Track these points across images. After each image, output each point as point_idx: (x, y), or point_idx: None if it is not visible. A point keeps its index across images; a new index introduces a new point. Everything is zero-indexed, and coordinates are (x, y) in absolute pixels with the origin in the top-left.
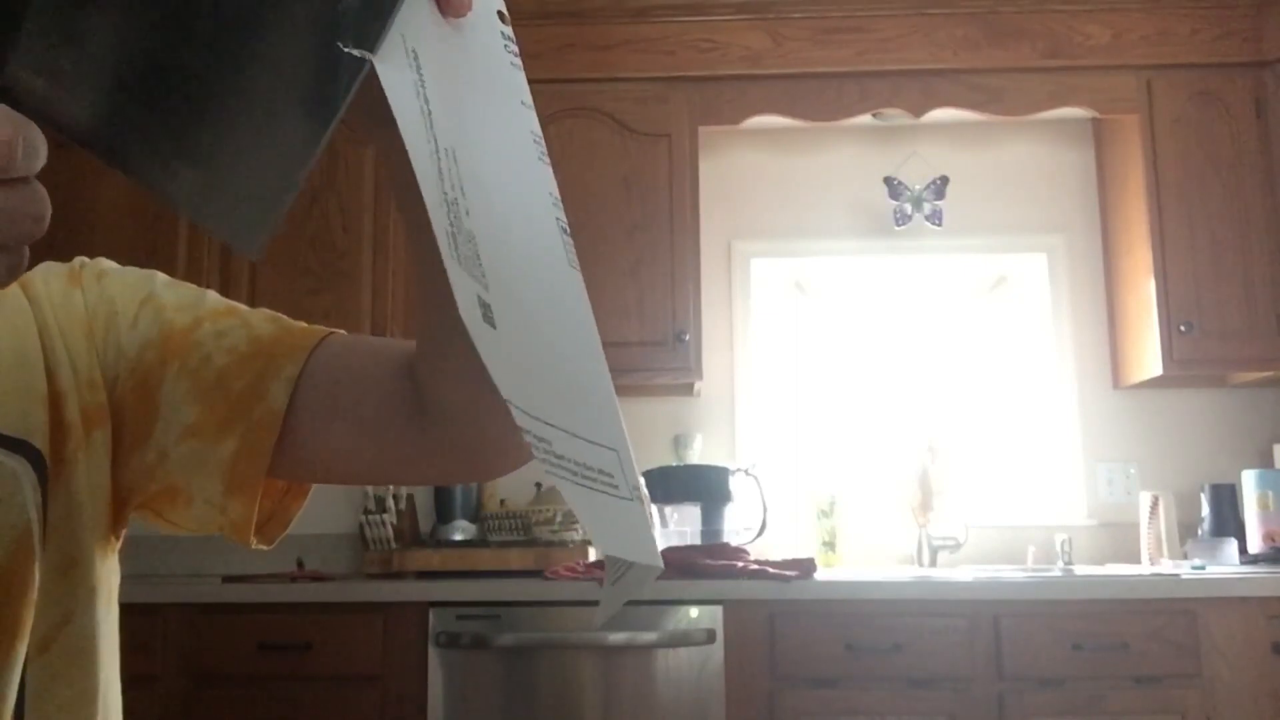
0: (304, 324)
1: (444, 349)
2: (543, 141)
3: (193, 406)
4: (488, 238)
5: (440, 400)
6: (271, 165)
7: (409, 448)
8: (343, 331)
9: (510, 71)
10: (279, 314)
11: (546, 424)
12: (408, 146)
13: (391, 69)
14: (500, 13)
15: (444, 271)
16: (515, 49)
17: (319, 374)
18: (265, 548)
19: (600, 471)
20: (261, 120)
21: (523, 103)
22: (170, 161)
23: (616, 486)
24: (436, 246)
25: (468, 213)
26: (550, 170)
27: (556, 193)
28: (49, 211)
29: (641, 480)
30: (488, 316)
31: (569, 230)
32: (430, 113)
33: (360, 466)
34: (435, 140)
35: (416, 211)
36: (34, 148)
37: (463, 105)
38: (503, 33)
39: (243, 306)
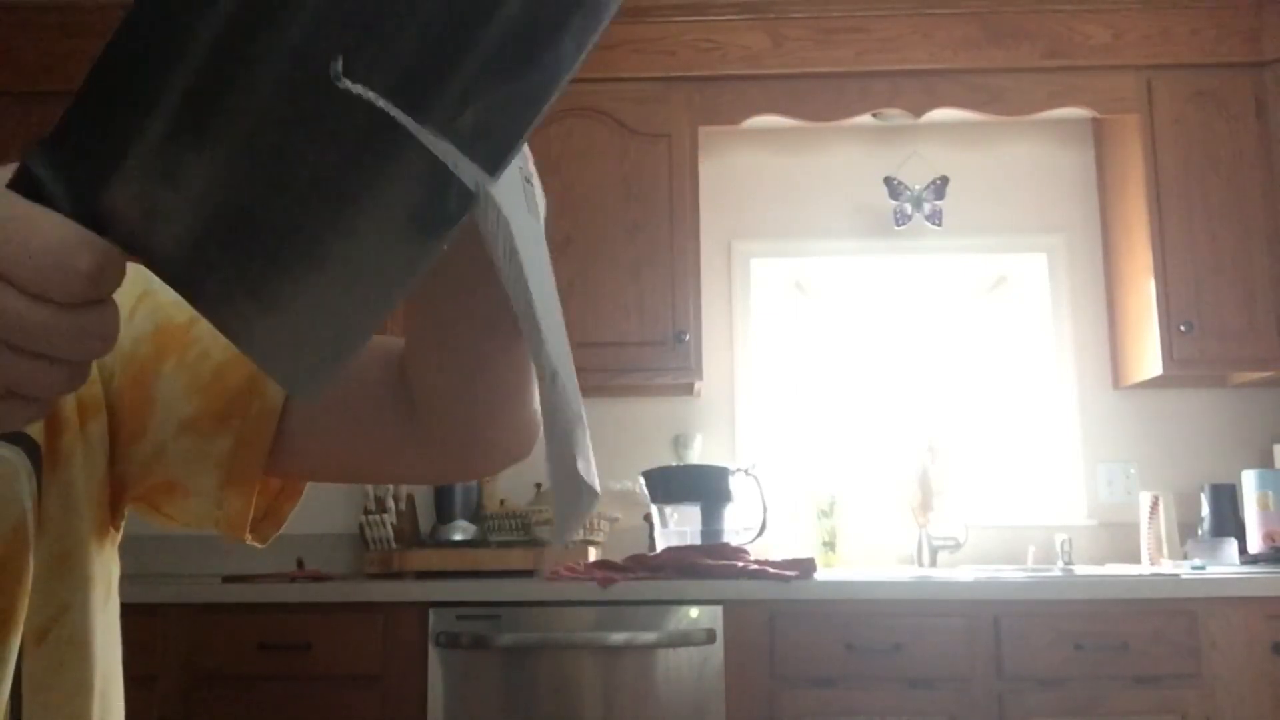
0: None
1: (433, 345)
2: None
3: (190, 401)
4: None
5: (429, 396)
6: (338, 323)
7: (399, 443)
8: None
9: None
10: None
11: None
12: None
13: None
14: None
15: (439, 265)
16: None
17: None
18: (259, 545)
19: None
20: (336, 282)
21: None
22: (242, 303)
23: (580, 416)
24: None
25: None
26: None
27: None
28: (118, 331)
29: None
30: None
31: (532, 181)
32: None
33: (353, 462)
34: None
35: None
36: (116, 275)
37: None
38: None
39: None
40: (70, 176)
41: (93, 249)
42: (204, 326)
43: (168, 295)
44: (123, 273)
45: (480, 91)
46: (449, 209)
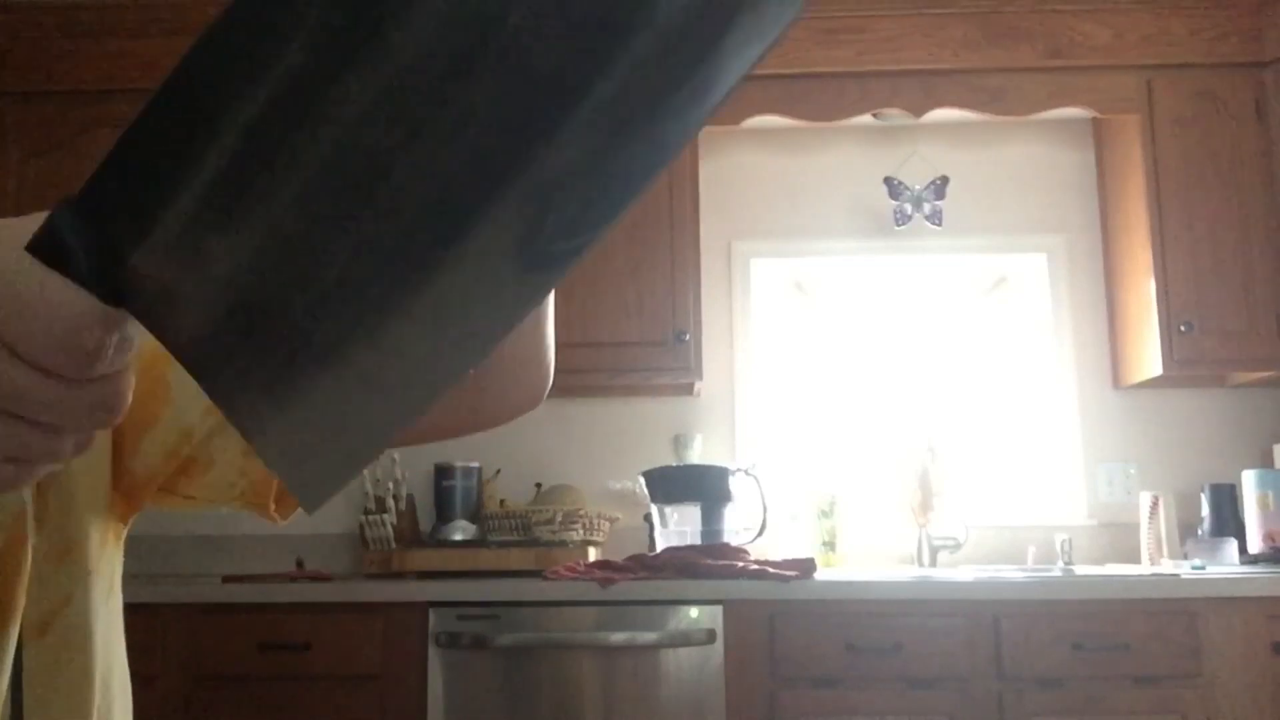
0: None
1: None
2: None
3: None
4: None
5: None
6: (354, 433)
7: None
8: None
9: None
10: None
11: None
12: None
13: None
14: None
15: None
16: None
17: None
18: (280, 521)
19: None
20: (356, 391)
21: None
22: (256, 398)
23: None
24: None
25: None
26: None
27: None
28: (126, 402)
29: None
30: None
31: None
32: None
33: None
34: None
35: None
36: (127, 349)
37: None
38: None
39: None
40: (94, 244)
41: (105, 325)
42: None
43: None
44: (135, 347)
45: (561, 181)
46: (497, 328)
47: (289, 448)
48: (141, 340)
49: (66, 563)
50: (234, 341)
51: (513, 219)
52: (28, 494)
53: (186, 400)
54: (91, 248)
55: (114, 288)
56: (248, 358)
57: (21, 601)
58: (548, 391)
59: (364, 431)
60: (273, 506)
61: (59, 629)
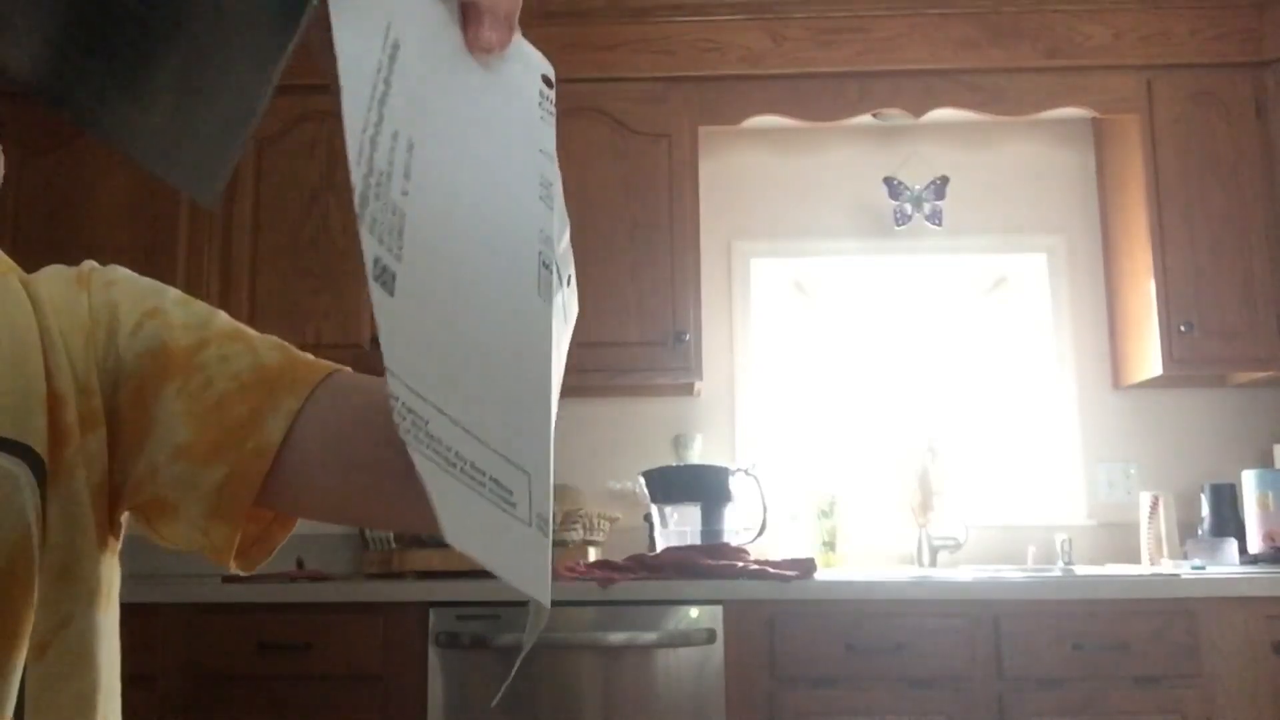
0: (310, 356)
1: None
2: (552, 188)
3: (187, 427)
4: (422, 226)
5: None
6: (221, 109)
7: (398, 493)
8: (348, 369)
9: (536, 122)
10: (286, 343)
11: (430, 404)
12: (343, 95)
13: (351, 23)
14: (545, 76)
15: None
16: (552, 108)
17: (319, 411)
18: (244, 572)
19: (494, 481)
20: (208, 63)
21: (541, 150)
22: (120, 107)
23: (513, 505)
24: None
25: (404, 193)
26: (551, 214)
27: (551, 234)
28: None
29: (552, 520)
30: (385, 282)
31: (552, 268)
32: (386, 91)
33: (347, 507)
34: (381, 115)
35: None
36: None
37: (445, 115)
38: (541, 91)
39: (251, 331)
40: None
41: None
42: (211, 353)
43: (180, 317)
44: None
45: None
46: None
47: (166, 144)
48: (137, 366)
49: (68, 582)
50: (79, 55)
51: None
52: (32, 514)
53: (162, 439)
54: None
55: None
56: (98, 69)
57: (29, 625)
58: None
59: (230, 99)
60: (234, 564)
61: (58, 649)
